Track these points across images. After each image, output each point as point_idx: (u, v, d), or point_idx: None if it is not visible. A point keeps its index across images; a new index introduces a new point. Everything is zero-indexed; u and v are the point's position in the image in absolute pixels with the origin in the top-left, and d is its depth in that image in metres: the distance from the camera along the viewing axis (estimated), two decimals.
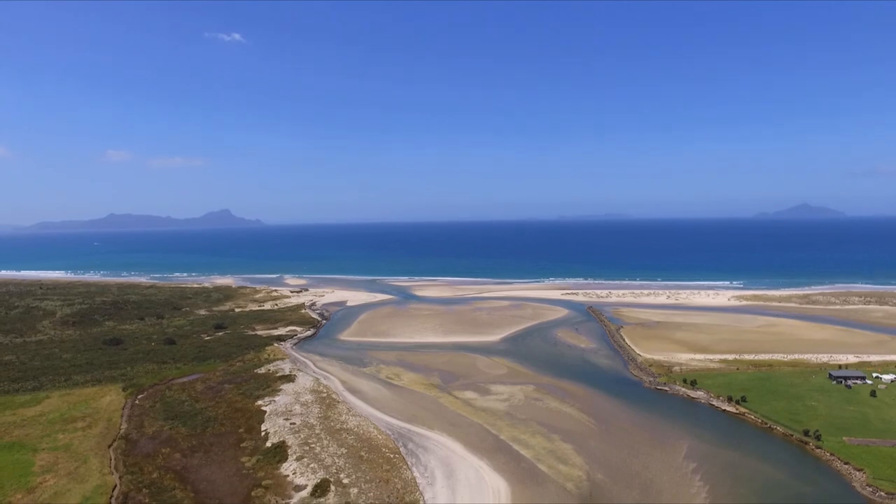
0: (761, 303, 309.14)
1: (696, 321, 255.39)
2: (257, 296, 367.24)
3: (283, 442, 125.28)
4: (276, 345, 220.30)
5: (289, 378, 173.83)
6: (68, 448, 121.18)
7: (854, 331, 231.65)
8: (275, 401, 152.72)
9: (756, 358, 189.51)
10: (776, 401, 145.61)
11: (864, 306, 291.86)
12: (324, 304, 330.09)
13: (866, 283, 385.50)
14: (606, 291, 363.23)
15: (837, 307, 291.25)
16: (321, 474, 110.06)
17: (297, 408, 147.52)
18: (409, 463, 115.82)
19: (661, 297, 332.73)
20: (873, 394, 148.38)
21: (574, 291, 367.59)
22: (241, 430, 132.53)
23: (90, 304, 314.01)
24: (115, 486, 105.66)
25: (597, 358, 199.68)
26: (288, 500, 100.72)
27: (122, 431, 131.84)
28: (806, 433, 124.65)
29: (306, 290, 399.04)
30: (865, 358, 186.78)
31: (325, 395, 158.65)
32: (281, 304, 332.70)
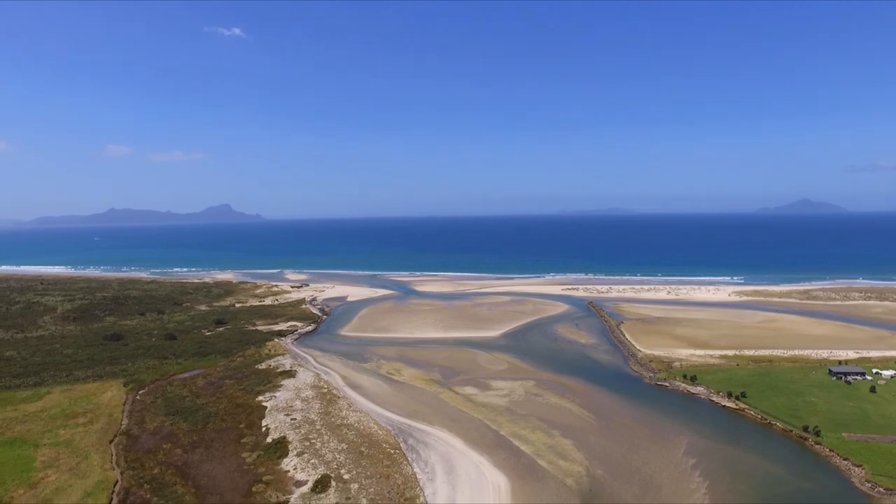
0: (762, 298, 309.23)
1: (697, 317, 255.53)
2: (258, 291, 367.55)
3: (284, 437, 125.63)
4: (276, 340, 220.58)
5: (289, 374, 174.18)
6: (70, 444, 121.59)
7: (854, 326, 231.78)
8: (275, 396, 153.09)
9: (756, 354, 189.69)
10: (776, 397, 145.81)
11: (865, 302, 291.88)
12: (324, 300, 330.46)
13: (867, 279, 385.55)
14: (607, 287, 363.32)
15: (838, 303, 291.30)
16: (322, 470, 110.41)
17: (298, 403, 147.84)
18: (409, 458, 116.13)
19: (662, 293, 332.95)
20: (873, 390, 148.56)
21: (574, 287, 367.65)
22: (241, 426, 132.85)
23: (91, 300, 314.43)
24: (117, 481, 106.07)
25: (597, 353, 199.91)
26: (288, 496, 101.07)
27: (123, 427, 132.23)
28: (805, 429, 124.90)
29: (307, 285, 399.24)
30: (865, 354, 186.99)
31: (325, 390, 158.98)
32: (281, 299, 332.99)
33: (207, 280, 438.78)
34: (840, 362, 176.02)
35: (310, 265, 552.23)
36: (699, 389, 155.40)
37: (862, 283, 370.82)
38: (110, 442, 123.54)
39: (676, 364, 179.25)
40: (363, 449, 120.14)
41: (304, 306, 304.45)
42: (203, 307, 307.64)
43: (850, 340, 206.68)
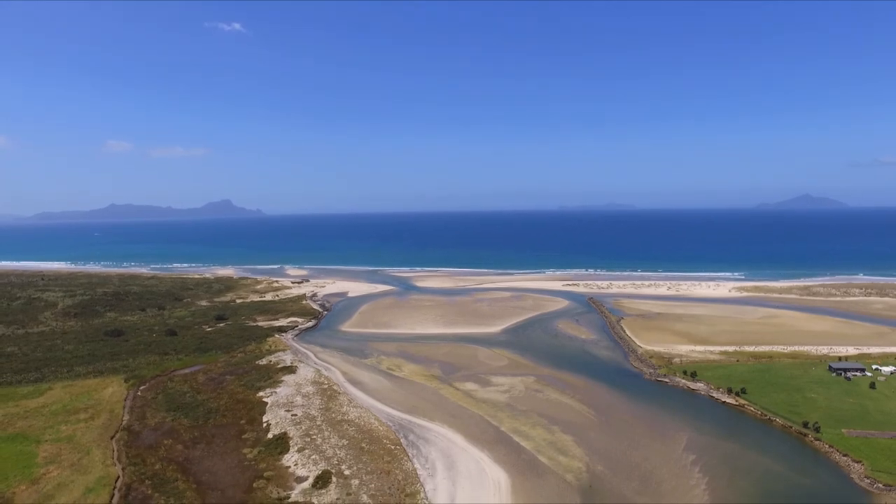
0: (762, 294, 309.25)
1: (697, 312, 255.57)
2: (258, 286, 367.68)
3: (285, 433, 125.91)
4: (277, 336, 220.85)
5: (290, 369, 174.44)
6: (71, 439, 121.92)
7: (854, 322, 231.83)
8: (276, 392, 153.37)
9: (756, 350, 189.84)
10: (776, 393, 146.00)
11: (865, 298, 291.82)
12: (325, 295, 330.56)
13: (867, 275, 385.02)
14: (607, 283, 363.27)
15: (838, 299, 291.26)
16: (322, 466, 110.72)
17: (299, 399, 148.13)
18: (409, 454, 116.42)
19: (662, 289, 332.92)
20: (873, 386, 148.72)
21: (575, 282, 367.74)
22: (242, 422, 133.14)
23: (91, 295, 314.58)
24: (118, 477, 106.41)
25: (597, 349, 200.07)
26: (289, 492, 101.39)
27: (124, 423, 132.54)
28: (805, 425, 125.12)
29: (307, 280, 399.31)
30: (865, 350, 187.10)
31: (326, 386, 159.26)
32: (282, 294, 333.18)
33: (208, 276, 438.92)
34: (840, 358, 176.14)
35: (310, 261, 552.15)
36: (699, 385, 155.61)
37: (862, 278, 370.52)
38: (111, 438, 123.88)
39: (676, 360, 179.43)
40: (364, 445, 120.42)
41: (304, 302, 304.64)
42: (204, 303, 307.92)
43: (850, 336, 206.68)
